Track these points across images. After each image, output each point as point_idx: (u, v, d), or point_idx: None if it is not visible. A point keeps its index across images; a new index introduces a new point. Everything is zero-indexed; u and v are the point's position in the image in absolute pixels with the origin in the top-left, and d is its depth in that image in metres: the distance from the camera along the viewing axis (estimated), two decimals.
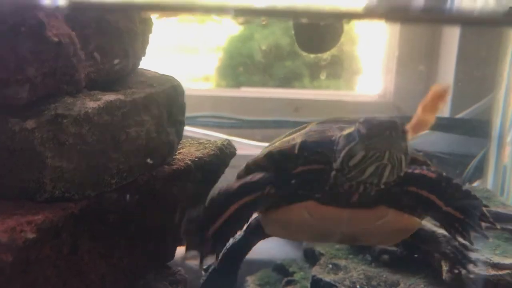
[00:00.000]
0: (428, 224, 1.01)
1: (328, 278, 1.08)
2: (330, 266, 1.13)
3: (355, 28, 1.73)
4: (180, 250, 0.98)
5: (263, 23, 1.74)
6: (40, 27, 0.68)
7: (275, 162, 0.84)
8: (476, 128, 1.44)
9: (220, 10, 0.82)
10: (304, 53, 1.75)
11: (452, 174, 1.46)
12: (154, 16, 0.94)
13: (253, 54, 1.84)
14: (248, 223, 0.94)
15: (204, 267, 1.02)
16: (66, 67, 0.73)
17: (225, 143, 1.01)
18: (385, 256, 1.13)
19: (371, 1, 1.81)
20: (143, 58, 0.93)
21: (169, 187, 0.86)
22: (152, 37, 0.94)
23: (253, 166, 0.87)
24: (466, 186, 1.29)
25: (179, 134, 0.92)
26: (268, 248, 1.13)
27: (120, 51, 0.85)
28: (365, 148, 0.73)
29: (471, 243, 0.86)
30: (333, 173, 0.79)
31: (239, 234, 0.97)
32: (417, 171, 0.82)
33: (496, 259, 1.01)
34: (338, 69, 1.86)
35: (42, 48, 0.69)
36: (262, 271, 1.20)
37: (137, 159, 0.80)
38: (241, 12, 0.92)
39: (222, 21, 1.68)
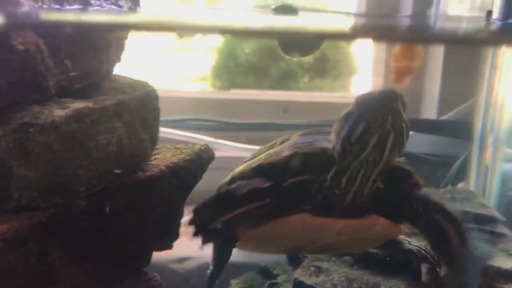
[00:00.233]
0: None
1: (310, 281, 1.08)
2: (312, 268, 1.13)
3: None
4: (161, 255, 0.99)
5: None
6: (5, 35, 0.68)
7: (265, 175, 0.84)
8: (459, 130, 1.44)
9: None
10: (287, 57, 1.76)
11: (437, 175, 1.47)
12: None
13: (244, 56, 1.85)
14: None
15: None
16: (33, 75, 0.73)
17: (203, 147, 1.01)
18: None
19: (359, 9, 1.82)
20: (117, 64, 0.94)
21: (143, 193, 0.86)
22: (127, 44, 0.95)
23: (240, 179, 0.86)
24: (449, 188, 1.30)
25: (154, 140, 0.92)
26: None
27: (93, 58, 0.85)
28: (366, 118, 0.74)
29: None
30: (333, 170, 0.80)
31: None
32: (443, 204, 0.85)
33: None
34: (332, 70, 1.87)
35: (8, 57, 0.69)
36: (247, 274, 1.20)
37: (108, 166, 0.80)
38: (220, 31, 0.92)
39: None
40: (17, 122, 0.70)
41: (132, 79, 0.93)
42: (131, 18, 0.78)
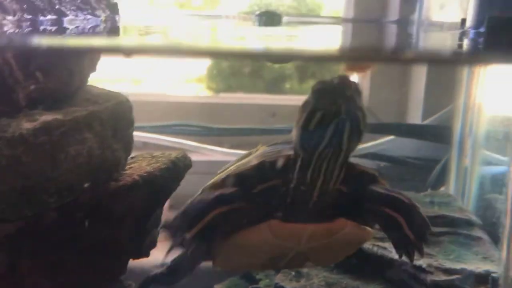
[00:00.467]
0: None
1: (290, 285, 1.10)
2: (293, 273, 1.14)
3: None
4: (144, 261, 1.00)
5: None
6: None
7: (234, 183, 0.84)
8: (440, 134, 1.45)
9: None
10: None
11: (419, 178, 1.48)
12: None
13: None
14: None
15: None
16: (1, 89, 0.74)
17: (180, 156, 1.01)
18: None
19: (346, 14, 1.83)
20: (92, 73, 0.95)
21: (115, 203, 0.86)
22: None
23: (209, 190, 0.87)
24: (428, 192, 1.31)
25: (127, 149, 0.92)
26: None
27: (65, 69, 0.86)
28: (321, 107, 0.75)
29: (412, 261, 0.88)
30: (296, 167, 0.81)
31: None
32: (392, 194, 0.84)
33: (448, 264, 1.03)
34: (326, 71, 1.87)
35: None
36: (230, 279, 1.21)
37: (79, 177, 0.80)
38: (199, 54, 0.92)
39: None
40: None
41: (105, 89, 0.93)
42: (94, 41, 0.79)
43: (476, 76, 1.27)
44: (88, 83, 0.95)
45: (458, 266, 1.01)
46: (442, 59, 0.90)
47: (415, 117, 1.71)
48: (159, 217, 1.00)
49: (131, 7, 1.52)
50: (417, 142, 1.54)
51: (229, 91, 1.99)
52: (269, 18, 1.49)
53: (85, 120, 0.82)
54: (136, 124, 0.97)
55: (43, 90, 0.83)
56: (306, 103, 0.78)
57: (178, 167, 0.99)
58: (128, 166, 0.95)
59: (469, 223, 1.17)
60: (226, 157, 1.58)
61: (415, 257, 0.86)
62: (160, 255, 1.03)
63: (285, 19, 1.52)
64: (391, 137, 1.55)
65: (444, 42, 1.14)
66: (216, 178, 0.88)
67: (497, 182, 1.16)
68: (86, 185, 0.80)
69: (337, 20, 1.81)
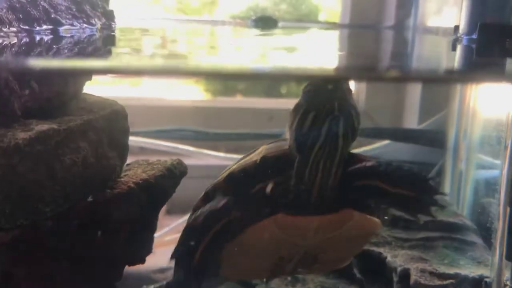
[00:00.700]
0: None
1: None
2: (289, 278, 1.15)
3: None
4: (141, 266, 1.00)
5: None
6: None
7: (236, 182, 0.85)
8: (435, 139, 1.46)
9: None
10: None
11: None
12: None
13: None
14: None
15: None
16: None
17: (175, 162, 1.02)
18: None
19: (343, 19, 1.83)
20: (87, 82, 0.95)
21: (111, 211, 0.87)
22: None
23: (213, 192, 0.88)
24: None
25: (123, 157, 0.93)
26: None
27: (60, 79, 0.87)
28: (314, 107, 0.76)
29: (433, 215, 0.87)
30: (296, 163, 0.81)
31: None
32: (358, 165, 0.84)
33: (443, 269, 1.03)
34: None
35: None
36: (227, 283, 1.21)
37: (74, 185, 0.81)
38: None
39: None
40: None
41: (100, 97, 0.94)
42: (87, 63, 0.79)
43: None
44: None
45: (452, 270, 1.02)
46: (433, 79, 0.91)
47: (410, 121, 1.72)
48: (155, 223, 1.01)
49: (131, 8, 1.54)
50: (412, 147, 1.55)
51: (226, 94, 2.00)
52: (265, 24, 1.50)
53: (80, 129, 0.82)
54: (132, 129, 0.98)
55: (38, 99, 0.83)
56: (298, 106, 0.79)
57: (174, 174, 1.00)
58: (124, 174, 0.96)
59: (463, 228, 1.17)
60: (223, 161, 1.59)
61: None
62: (155, 261, 1.04)
63: (281, 24, 1.53)
64: (387, 141, 1.56)
65: (437, 50, 1.15)
66: (219, 178, 0.89)
67: (492, 187, 1.16)
68: (87, 186, 0.80)
69: (333, 26, 1.82)
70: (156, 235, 1.01)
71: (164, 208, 1.03)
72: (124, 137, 0.93)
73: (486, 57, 0.99)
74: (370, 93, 1.81)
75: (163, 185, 0.97)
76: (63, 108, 0.88)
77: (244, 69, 0.77)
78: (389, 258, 1.10)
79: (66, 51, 0.85)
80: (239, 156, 0.97)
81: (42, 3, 0.93)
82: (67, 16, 1.00)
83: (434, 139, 1.45)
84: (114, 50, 0.93)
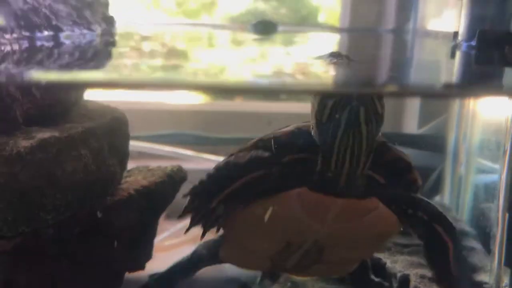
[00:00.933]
0: None
1: None
2: (289, 284, 1.15)
3: None
4: (135, 274, 1.01)
5: None
6: None
7: (267, 149, 0.82)
8: (434, 143, 1.46)
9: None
10: None
11: None
12: None
13: None
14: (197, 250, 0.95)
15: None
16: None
17: (175, 169, 1.03)
18: None
19: (342, 23, 1.83)
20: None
21: (112, 217, 0.87)
22: None
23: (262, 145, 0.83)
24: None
25: (123, 164, 0.94)
26: (233, 266, 1.15)
27: (61, 86, 0.87)
28: (332, 95, 0.75)
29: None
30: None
31: (187, 256, 0.99)
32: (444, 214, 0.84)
33: None
34: None
35: None
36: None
37: (75, 193, 0.81)
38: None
39: None
40: None
41: (101, 104, 0.95)
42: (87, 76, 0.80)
43: None
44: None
45: None
46: (431, 94, 0.91)
47: (410, 126, 1.72)
48: (155, 230, 1.02)
49: (131, 12, 1.54)
50: (412, 151, 1.55)
51: (225, 97, 2.00)
52: (265, 28, 1.50)
53: (81, 136, 0.83)
54: (132, 133, 0.98)
55: (40, 107, 0.84)
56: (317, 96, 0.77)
57: (174, 180, 1.00)
58: (124, 180, 0.96)
59: (462, 234, 1.17)
60: None
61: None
62: (154, 266, 1.04)
63: (280, 28, 1.53)
64: None
65: (436, 58, 1.15)
66: (245, 145, 0.85)
67: (491, 192, 1.16)
68: (88, 193, 0.81)
69: (332, 29, 1.82)
70: (155, 240, 1.02)
71: (163, 214, 1.03)
72: (125, 144, 0.93)
73: (485, 65, 0.99)
74: None
75: (163, 191, 0.98)
76: (65, 114, 0.88)
77: (244, 83, 0.77)
78: (388, 264, 1.10)
79: (66, 56, 0.85)
80: None
81: (43, 10, 0.93)
82: (68, 23, 1.00)
83: (434, 144, 1.46)
84: (112, 61, 0.93)
